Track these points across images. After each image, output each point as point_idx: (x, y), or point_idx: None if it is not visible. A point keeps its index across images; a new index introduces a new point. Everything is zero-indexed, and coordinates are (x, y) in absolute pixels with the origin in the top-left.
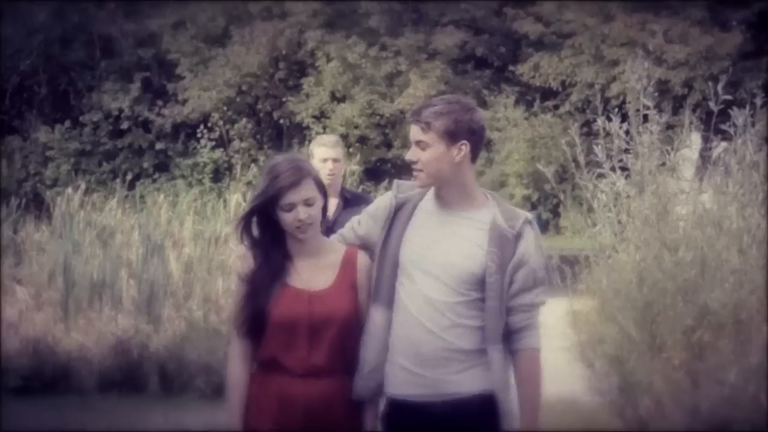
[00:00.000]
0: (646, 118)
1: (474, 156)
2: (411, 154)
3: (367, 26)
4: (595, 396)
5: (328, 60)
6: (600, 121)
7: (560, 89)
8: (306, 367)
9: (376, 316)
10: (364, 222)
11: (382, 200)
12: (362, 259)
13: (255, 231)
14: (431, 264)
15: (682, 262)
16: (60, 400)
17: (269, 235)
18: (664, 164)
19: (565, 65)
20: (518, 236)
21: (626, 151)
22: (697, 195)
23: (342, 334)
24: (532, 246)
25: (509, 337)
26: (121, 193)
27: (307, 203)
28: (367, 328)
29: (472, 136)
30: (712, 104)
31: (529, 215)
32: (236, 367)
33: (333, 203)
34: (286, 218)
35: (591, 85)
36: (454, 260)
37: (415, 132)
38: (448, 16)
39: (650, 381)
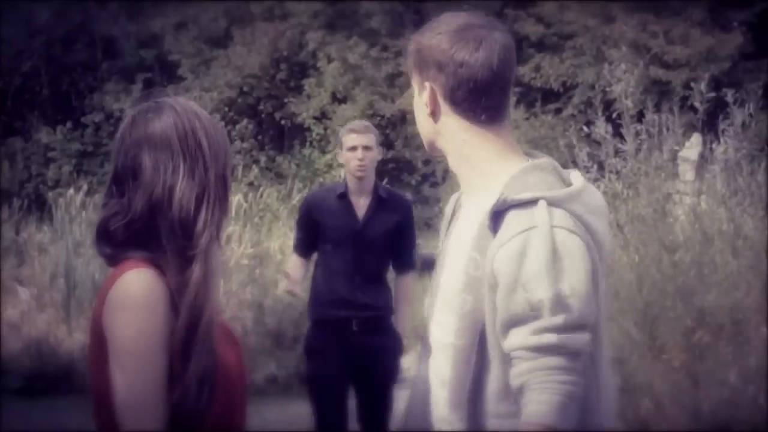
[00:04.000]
0: (637, 117)
1: (466, 109)
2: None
3: (368, 27)
4: None
5: (329, 61)
6: (592, 127)
7: (561, 90)
8: None
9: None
10: None
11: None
12: None
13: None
14: (435, 290)
15: (680, 263)
16: (62, 400)
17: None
18: (659, 166)
19: (566, 66)
20: (495, 229)
21: (616, 153)
22: (695, 196)
23: None
24: (513, 245)
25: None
26: None
27: None
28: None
29: (441, 73)
30: (697, 103)
31: (545, 193)
32: None
33: (364, 203)
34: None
35: (593, 86)
36: (446, 280)
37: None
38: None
39: (651, 382)
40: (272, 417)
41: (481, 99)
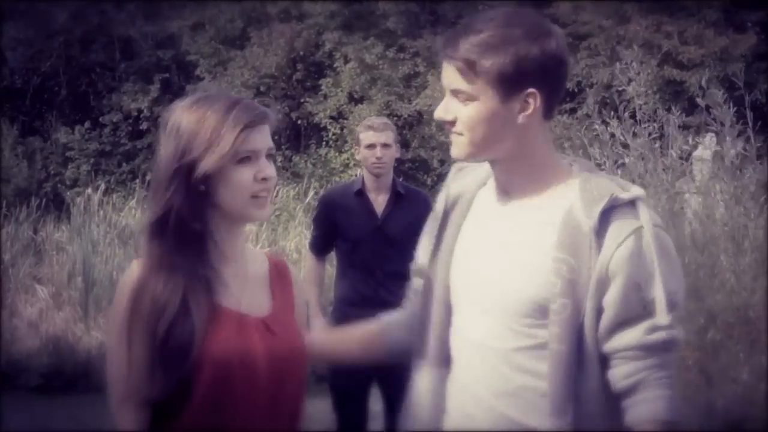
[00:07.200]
0: (650, 117)
1: (549, 109)
2: (443, 110)
3: (385, 28)
4: None
5: (346, 61)
6: (603, 127)
7: (576, 90)
8: None
9: (419, 381)
10: (424, 238)
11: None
12: (293, 271)
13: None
14: (482, 291)
15: (691, 263)
16: (80, 398)
17: (184, 226)
18: (670, 165)
19: (581, 66)
20: (601, 230)
21: (628, 153)
22: (707, 196)
23: (304, 388)
24: (628, 245)
25: (617, 404)
26: (140, 194)
27: (269, 154)
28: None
29: (546, 79)
30: (700, 100)
31: (637, 191)
32: None
33: (382, 199)
34: (240, 178)
35: (607, 87)
36: (510, 282)
37: (449, 75)
38: (466, 17)
39: None
40: None
41: (562, 95)
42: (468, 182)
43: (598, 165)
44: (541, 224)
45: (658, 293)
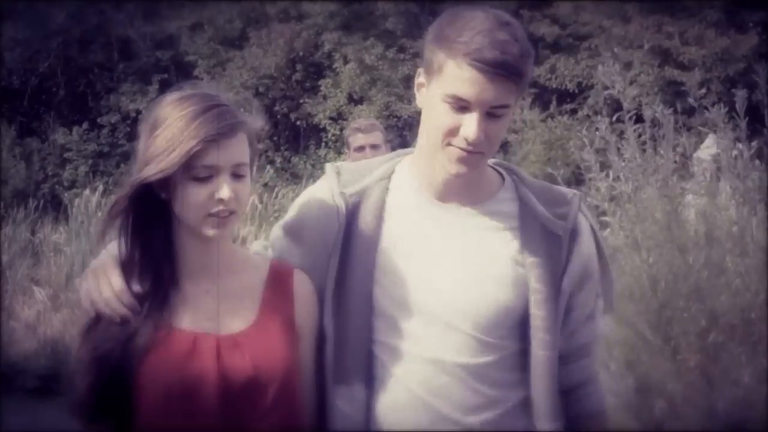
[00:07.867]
0: (650, 117)
1: None
2: (480, 131)
3: (384, 28)
4: (611, 397)
5: (346, 62)
6: (602, 127)
7: (577, 91)
8: None
9: (341, 403)
10: (286, 249)
11: (313, 207)
12: (301, 280)
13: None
14: (438, 303)
15: (693, 264)
16: None
17: (144, 235)
18: (671, 166)
19: (581, 67)
20: (575, 232)
21: (626, 153)
22: (708, 197)
23: (281, 408)
24: (592, 243)
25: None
26: None
27: (237, 173)
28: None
29: None
30: (691, 100)
31: (577, 192)
32: None
33: None
34: (194, 196)
35: (608, 87)
36: (477, 291)
37: (492, 90)
38: (453, 18)
39: (665, 383)
40: None
41: None
42: (366, 185)
43: (609, 165)
44: (497, 230)
45: (606, 286)
